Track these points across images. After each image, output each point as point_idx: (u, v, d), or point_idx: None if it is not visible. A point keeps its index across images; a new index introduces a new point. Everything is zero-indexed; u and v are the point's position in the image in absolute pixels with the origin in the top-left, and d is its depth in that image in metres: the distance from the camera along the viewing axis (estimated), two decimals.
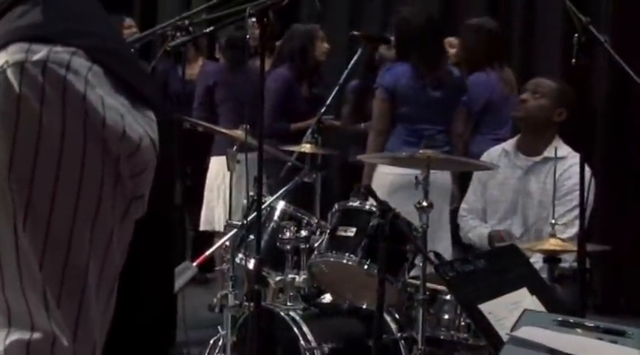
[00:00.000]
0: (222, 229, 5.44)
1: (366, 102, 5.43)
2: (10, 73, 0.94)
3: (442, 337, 3.48)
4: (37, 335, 0.94)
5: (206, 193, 5.67)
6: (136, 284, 1.04)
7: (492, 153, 4.34)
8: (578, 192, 3.90)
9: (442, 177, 4.46)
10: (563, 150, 4.09)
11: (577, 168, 3.28)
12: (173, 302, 1.16)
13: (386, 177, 4.54)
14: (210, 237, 5.52)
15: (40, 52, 0.95)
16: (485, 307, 2.94)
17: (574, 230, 3.85)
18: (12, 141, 0.94)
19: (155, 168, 1.02)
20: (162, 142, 1.04)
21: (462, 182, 4.81)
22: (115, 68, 1.00)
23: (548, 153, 4.06)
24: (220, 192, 5.47)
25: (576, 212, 3.93)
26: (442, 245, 4.43)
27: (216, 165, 5.54)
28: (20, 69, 0.94)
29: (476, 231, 4.27)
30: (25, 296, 0.94)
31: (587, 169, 3.65)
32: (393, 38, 4.84)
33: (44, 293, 0.94)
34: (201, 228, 5.75)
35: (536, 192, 4.13)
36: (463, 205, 4.42)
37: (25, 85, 0.94)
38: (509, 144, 4.32)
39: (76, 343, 0.95)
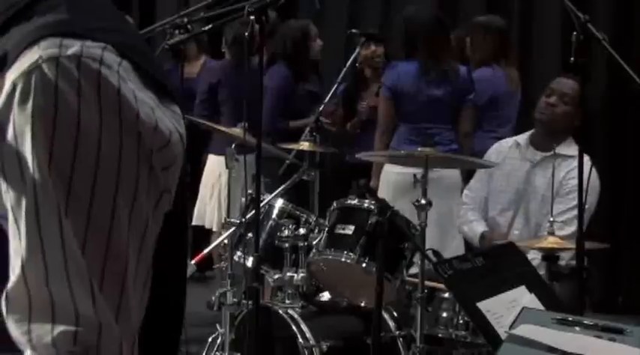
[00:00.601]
0: (213, 227, 5.47)
1: (353, 107, 5.49)
2: (45, 67, 0.95)
3: (440, 335, 3.49)
4: (83, 325, 0.95)
5: (200, 189, 5.67)
6: (159, 277, 1.05)
7: (503, 145, 4.35)
8: (589, 199, 3.94)
9: (452, 175, 4.47)
10: (573, 149, 4.10)
11: (585, 168, 3.29)
12: (184, 296, 1.18)
13: (389, 175, 4.55)
14: (207, 234, 5.52)
15: (74, 46, 0.96)
16: (483, 305, 2.95)
17: (572, 228, 3.86)
18: (51, 135, 0.94)
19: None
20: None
21: (470, 178, 4.81)
22: (142, 63, 1.01)
23: (560, 150, 4.08)
24: (215, 190, 5.48)
25: (576, 211, 3.95)
26: (454, 243, 4.43)
27: (213, 164, 5.54)
28: (56, 63, 0.95)
29: (471, 225, 4.28)
30: (70, 286, 0.95)
31: (593, 172, 3.67)
32: (392, 36, 4.85)
33: (89, 281, 0.96)
34: (193, 222, 5.75)
35: (540, 187, 4.14)
36: (466, 192, 4.41)
37: (61, 79, 0.95)
38: (522, 137, 4.33)
39: (119, 329, 0.97)
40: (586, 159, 3.41)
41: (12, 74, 0.96)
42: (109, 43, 0.99)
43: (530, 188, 4.19)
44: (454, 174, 4.56)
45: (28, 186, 0.95)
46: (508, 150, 4.29)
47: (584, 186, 3.18)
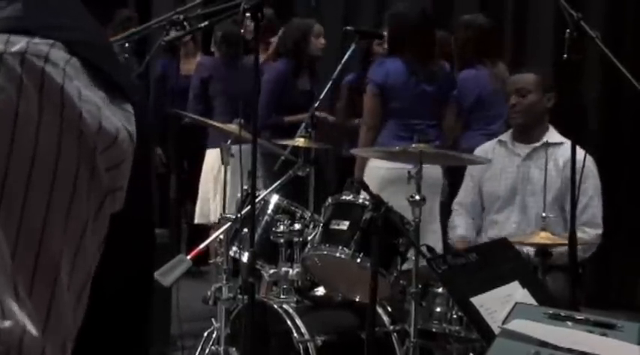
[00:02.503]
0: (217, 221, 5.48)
1: (361, 97, 5.45)
2: None
3: (434, 330, 3.51)
4: (6, 325, 0.93)
5: (201, 186, 5.69)
6: (109, 282, 1.03)
7: (486, 147, 4.38)
8: (590, 180, 4.01)
9: (433, 171, 4.49)
10: (557, 136, 4.17)
11: (580, 155, 3.33)
12: (149, 303, 1.14)
13: (377, 170, 4.56)
14: (205, 230, 5.54)
15: (19, 43, 0.96)
16: (477, 300, 2.97)
17: (597, 231, 3.99)
18: None
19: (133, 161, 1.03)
20: (141, 137, 1.03)
21: (450, 175, 4.85)
22: (93, 61, 1.00)
23: (547, 138, 4.12)
24: (217, 184, 5.49)
25: (595, 202, 4.03)
26: (433, 238, 4.46)
27: (212, 157, 5.56)
28: None
29: (454, 230, 4.36)
30: None
31: (589, 158, 3.70)
32: (385, 33, 4.87)
33: (15, 283, 0.93)
34: (196, 221, 5.77)
35: (536, 178, 4.16)
36: (456, 200, 4.47)
37: (2, 75, 0.95)
38: (505, 135, 4.36)
39: (46, 334, 0.95)
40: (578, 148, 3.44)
41: None
42: (60, 40, 0.98)
43: (525, 182, 4.23)
44: (436, 171, 4.59)
45: None
46: (493, 150, 4.31)
47: (575, 178, 3.20)
